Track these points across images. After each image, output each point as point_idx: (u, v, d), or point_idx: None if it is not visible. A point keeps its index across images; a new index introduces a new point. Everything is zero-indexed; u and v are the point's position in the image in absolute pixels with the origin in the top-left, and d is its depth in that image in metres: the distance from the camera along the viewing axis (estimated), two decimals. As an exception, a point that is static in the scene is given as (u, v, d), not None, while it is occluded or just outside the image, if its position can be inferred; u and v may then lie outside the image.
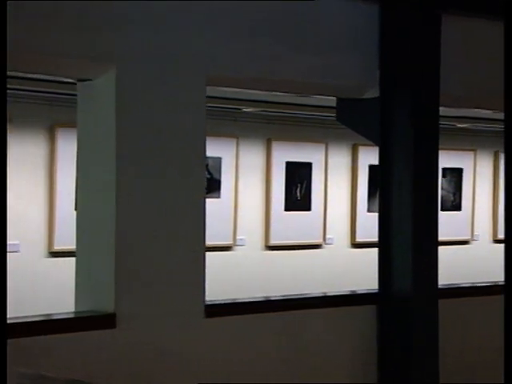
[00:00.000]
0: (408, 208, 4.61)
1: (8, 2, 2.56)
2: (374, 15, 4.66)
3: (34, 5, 3.56)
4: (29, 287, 5.98)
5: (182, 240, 4.02)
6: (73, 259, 4.00)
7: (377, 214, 4.81)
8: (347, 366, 4.67)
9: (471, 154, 8.51)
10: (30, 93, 5.74)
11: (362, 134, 4.96)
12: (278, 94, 5.22)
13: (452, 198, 8.44)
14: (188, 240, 4.05)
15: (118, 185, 3.83)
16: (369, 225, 7.04)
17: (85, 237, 3.96)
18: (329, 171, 7.61)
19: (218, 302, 4.25)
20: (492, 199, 8.63)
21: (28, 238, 6.07)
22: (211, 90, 4.26)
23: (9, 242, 5.97)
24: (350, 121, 4.96)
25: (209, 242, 4.23)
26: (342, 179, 7.75)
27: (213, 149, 6.23)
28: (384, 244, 4.72)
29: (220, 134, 6.74)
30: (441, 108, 4.77)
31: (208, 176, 6.68)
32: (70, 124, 5.54)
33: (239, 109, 6.75)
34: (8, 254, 6.48)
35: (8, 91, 5.77)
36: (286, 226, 7.35)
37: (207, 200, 4.21)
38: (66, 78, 4.17)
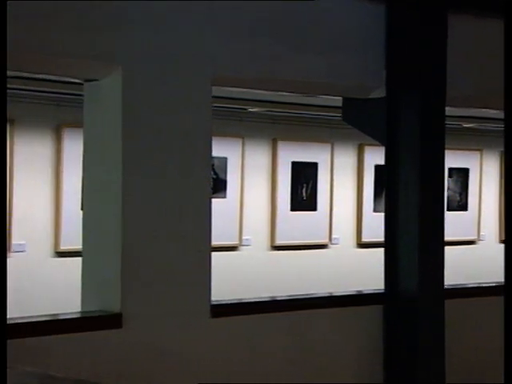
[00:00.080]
0: (414, 208, 4.61)
1: (8, 2, 2.56)
2: (380, 15, 4.65)
3: (40, 5, 3.56)
4: (35, 287, 6.00)
5: (188, 240, 4.02)
6: (79, 259, 4.01)
7: (383, 214, 4.81)
8: (353, 366, 4.67)
9: (477, 153, 8.49)
10: (36, 93, 5.76)
11: (368, 133, 4.96)
12: (284, 94, 5.22)
13: (458, 198, 8.43)
14: (194, 240, 4.05)
15: (124, 185, 3.83)
16: (375, 225, 7.03)
17: (91, 237, 3.97)
18: (335, 171, 7.61)
19: (223, 302, 4.25)
20: (498, 199, 8.62)
21: (34, 238, 6.09)
22: (217, 90, 4.26)
23: (15, 242, 6.00)
24: (356, 121, 4.96)
25: (215, 242, 4.24)
26: (347, 179, 7.75)
27: (219, 149, 6.23)
28: (390, 244, 4.71)
29: (226, 134, 6.74)
30: (447, 108, 4.77)
31: (214, 176, 6.68)
32: (76, 124, 5.55)
33: (245, 109, 6.76)
34: (14, 253, 6.53)
35: (14, 91, 5.83)
36: (292, 226, 7.35)
37: (213, 200, 4.21)
38: (73, 78, 4.18)
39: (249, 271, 7.07)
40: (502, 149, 8.44)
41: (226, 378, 4.10)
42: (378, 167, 7.62)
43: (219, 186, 6.92)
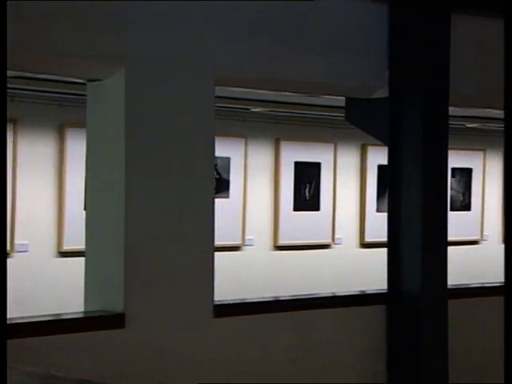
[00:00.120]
0: (417, 208, 4.60)
1: (8, 2, 2.55)
2: (383, 15, 4.65)
3: (43, 5, 3.57)
4: (38, 287, 6.00)
5: (190, 240, 4.02)
6: (82, 259, 4.01)
7: (386, 214, 4.80)
8: (356, 366, 4.67)
9: (481, 153, 8.48)
10: (39, 93, 5.76)
11: (371, 133, 4.96)
12: (287, 94, 5.21)
13: (461, 198, 8.42)
14: (197, 240, 4.05)
15: (127, 185, 3.83)
16: (378, 225, 7.03)
17: (94, 237, 3.97)
18: (338, 171, 7.60)
19: (226, 302, 4.24)
20: (501, 199, 8.60)
21: (37, 238, 6.09)
22: (220, 90, 4.26)
23: (18, 242, 6.00)
24: (359, 121, 4.95)
25: (217, 242, 4.24)
26: (350, 179, 7.74)
27: (221, 149, 6.23)
28: (393, 244, 4.71)
29: (229, 134, 6.74)
30: (450, 108, 4.76)
31: (217, 176, 6.68)
32: (79, 124, 5.55)
33: (248, 109, 6.75)
34: (17, 253, 6.53)
35: (17, 92, 5.83)
36: (295, 225, 7.34)
37: (216, 200, 4.21)
38: (76, 78, 4.18)
39: (252, 271, 7.07)
40: (506, 149, 8.43)
41: (228, 378, 4.10)
42: (380, 167, 7.61)
43: (222, 186, 6.92)
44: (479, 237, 8.50)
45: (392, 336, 4.67)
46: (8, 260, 5.95)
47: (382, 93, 4.71)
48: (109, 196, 3.92)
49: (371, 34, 4.62)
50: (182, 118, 4.01)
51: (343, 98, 4.92)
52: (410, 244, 4.63)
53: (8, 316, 3.66)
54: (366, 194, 7.77)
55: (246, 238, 7.13)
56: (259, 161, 7.20)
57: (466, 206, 8.44)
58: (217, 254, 4.15)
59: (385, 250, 4.77)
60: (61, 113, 6.11)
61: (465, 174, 8.42)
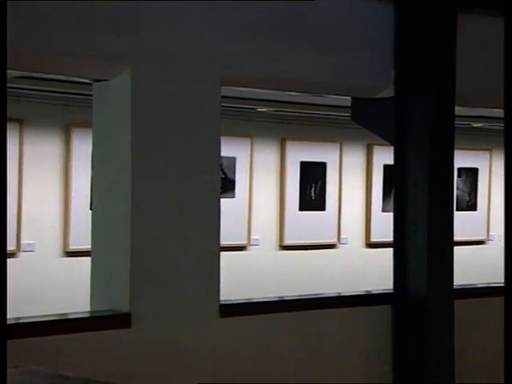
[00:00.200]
0: (423, 208, 4.60)
1: (8, 2, 2.56)
2: (389, 15, 4.64)
3: (48, 5, 3.57)
4: (44, 287, 6.01)
5: (196, 240, 4.02)
6: (88, 259, 4.01)
7: (391, 214, 4.80)
8: (362, 366, 4.66)
9: (487, 153, 8.47)
10: (45, 93, 5.77)
11: (377, 133, 4.95)
12: (293, 93, 5.21)
13: (467, 198, 8.41)
14: (203, 240, 4.05)
15: (133, 184, 3.84)
16: (383, 225, 7.02)
17: (100, 236, 3.97)
18: (343, 171, 7.60)
19: (232, 302, 4.25)
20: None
21: (43, 238, 6.10)
22: (226, 90, 4.26)
23: (24, 242, 6.02)
24: (365, 120, 4.95)
25: (223, 242, 4.24)
26: (356, 179, 7.74)
27: (227, 148, 6.24)
28: (399, 244, 4.70)
29: (234, 133, 6.74)
30: (456, 107, 4.75)
31: (222, 176, 6.68)
32: (84, 124, 5.57)
33: (253, 109, 6.75)
34: (24, 253, 6.54)
35: (23, 92, 5.83)
36: (301, 225, 7.34)
37: (222, 200, 4.21)
38: (82, 78, 4.19)
39: (257, 271, 7.07)
40: None
41: (234, 377, 4.10)
42: (386, 167, 7.61)
43: (228, 186, 6.92)
44: (485, 237, 8.49)
45: (398, 336, 4.67)
46: (14, 260, 5.96)
47: (388, 92, 4.70)
48: (115, 196, 3.92)
49: (377, 34, 4.62)
50: (187, 118, 4.01)
51: (349, 97, 4.91)
52: (416, 244, 4.62)
53: (14, 316, 3.68)
54: (372, 194, 7.76)
55: (252, 237, 7.13)
56: (265, 160, 7.20)
57: (472, 206, 8.43)
58: (222, 253, 4.15)
59: (390, 249, 4.77)
60: (67, 113, 6.12)
61: (471, 174, 8.41)
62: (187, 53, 3.99)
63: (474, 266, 7.47)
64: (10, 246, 5.90)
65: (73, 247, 6.11)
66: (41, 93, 5.74)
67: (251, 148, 7.09)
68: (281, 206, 7.27)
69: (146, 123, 3.89)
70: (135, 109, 3.84)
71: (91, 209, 4.12)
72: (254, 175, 7.11)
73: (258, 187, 7.14)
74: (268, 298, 4.63)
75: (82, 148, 5.97)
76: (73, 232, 6.12)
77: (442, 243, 4.68)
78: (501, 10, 4.80)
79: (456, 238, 4.78)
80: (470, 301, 4.95)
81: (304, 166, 7.37)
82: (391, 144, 4.78)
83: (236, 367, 4.15)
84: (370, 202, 7.75)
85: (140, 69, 3.85)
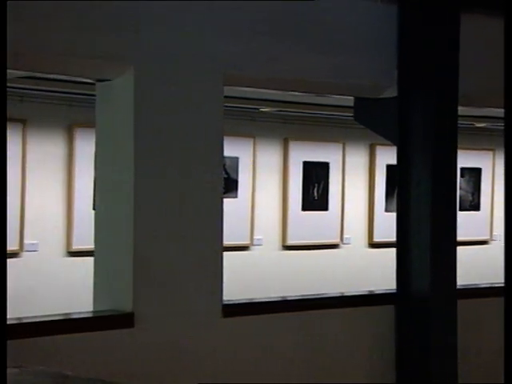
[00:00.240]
0: (426, 208, 4.59)
1: (8, 3, 2.56)
2: (392, 15, 4.64)
3: (52, 5, 3.57)
4: (47, 286, 6.02)
5: (199, 240, 4.03)
6: (91, 259, 4.02)
7: (394, 214, 4.79)
8: (365, 366, 4.66)
9: (490, 153, 8.46)
10: (48, 93, 5.78)
11: (379, 133, 4.95)
12: (296, 93, 5.21)
13: (471, 198, 8.40)
14: (205, 240, 4.05)
15: (136, 184, 3.84)
16: (386, 225, 7.02)
17: (103, 236, 3.98)
18: (346, 171, 7.59)
19: (235, 302, 4.25)
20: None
21: (47, 238, 6.11)
22: (228, 90, 4.26)
23: (27, 242, 6.02)
24: (368, 120, 4.95)
25: (226, 242, 4.24)
26: (359, 179, 7.73)
27: (230, 148, 6.23)
28: (402, 244, 4.70)
29: (237, 133, 6.74)
30: (459, 107, 4.75)
31: (225, 176, 6.68)
32: (87, 124, 5.57)
33: (256, 108, 6.75)
34: (27, 253, 6.54)
35: (27, 92, 5.84)
36: (303, 225, 7.34)
37: (224, 200, 4.21)
38: (85, 78, 4.19)
39: (260, 271, 7.07)
40: (515, 148, 8.40)
41: (236, 377, 4.10)
42: (389, 167, 7.60)
43: (231, 186, 6.92)
44: (488, 237, 8.48)
45: (401, 336, 4.66)
46: (17, 259, 5.97)
47: (391, 92, 4.70)
48: (118, 196, 3.92)
49: (380, 34, 4.61)
50: (190, 118, 4.01)
51: (352, 97, 4.91)
52: (419, 244, 4.62)
53: (17, 316, 3.68)
54: (375, 194, 7.76)
55: (255, 237, 7.13)
56: (268, 160, 7.20)
57: (476, 206, 8.42)
58: (225, 253, 4.15)
59: (393, 249, 4.76)
60: (70, 113, 6.12)
61: (474, 174, 8.40)
62: (190, 53, 3.99)
63: (477, 266, 7.46)
64: (14, 245, 5.90)
65: (76, 247, 6.12)
66: (44, 93, 5.75)
67: (254, 148, 7.09)
68: (284, 206, 7.27)
69: (148, 123, 3.89)
70: (138, 109, 3.84)
71: (94, 209, 4.12)
72: (257, 175, 7.11)
73: (261, 187, 7.14)
74: (271, 298, 4.63)
75: (85, 148, 5.97)
76: (76, 232, 6.12)
77: (445, 243, 4.68)
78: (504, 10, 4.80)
79: (459, 238, 4.77)
80: (472, 301, 4.95)
81: (307, 166, 7.37)
82: (394, 144, 4.78)
83: (239, 367, 4.15)
84: (372, 202, 7.75)
85: (143, 69, 3.85)
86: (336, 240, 7.56)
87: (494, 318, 5.10)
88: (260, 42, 4.21)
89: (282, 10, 4.25)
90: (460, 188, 7.98)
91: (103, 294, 3.92)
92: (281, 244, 7.30)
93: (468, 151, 7.82)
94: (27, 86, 5.41)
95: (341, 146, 7.54)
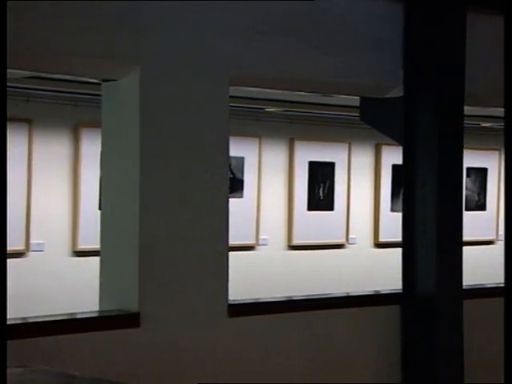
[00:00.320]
0: (432, 208, 4.59)
1: (8, 3, 2.56)
2: (397, 14, 4.63)
3: (58, 5, 3.58)
4: (53, 286, 6.03)
5: (205, 240, 4.03)
6: (97, 258, 4.02)
7: (400, 214, 4.79)
8: (371, 367, 4.66)
9: (496, 153, 8.44)
10: (54, 93, 5.79)
11: (385, 133, 4.94)
12: (301, 93, 5.21)
13: (476, 198, 8.38)
14: (211, 240, 4.05)
15: (142, 185, 3.84)
16: (392, 225, 7.01)
17: (109, 236, 3.98)
18: (352, 171, 7.59)
19: (240, 302, 4.24)
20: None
21: (52, 238, 6.12)
22: (234, 90, 4.26)
23: (33, 241, 6.03)
24: (374, 120, 4.94)
25: (232, 242, 4.24)
26: (365, 179, 7.73)
27: (236, 148, 6.23)
28: (408, 244, 4.69)
29: (243, 133, 6.75)
30: (465, 107, 4.74)
31: (231, 176, 6.69)
32: (93, 124, 5.58)
33: (262, 108, 6.75)
34: (33, 253, 6.56)
35: (32, 92, 5.85)
36: (309, 225, 7.34)
37: (230, 200, 4.21)
38: (91, 78, 4.19)
39: (266, 271, 7.07)
40: (521, 148, 8.38)
41: (242, 377, 4.10)
42: (395, 167, 7.59)
43: (236, 186, 6.92)
44: (495, 237, 8.46)
45: (406, 336, 4.66)
46: (23, 259, 5.98)
47: (397, 92, 4.69)
48: (123, 196, 3.93)
49: (386, 34, 4.61)
50: (196, 118, 4.02)
51: (358, 97, 4.91)
52: (425, 244, 4.61)
53: (22, 315, 3.69)
54: (381, 194, 7.75)
55: (260, 237, 7.13)
56: (273, 160, 7.20)
57: (482, 206, 8.41)
58: (231, 253, 4.15)
59: (399, 249, 4.76)
60: (75, 113, 6.13)
61: (480, 174, 8.39)
62: (195, 53, 3.99)
63: (483, 266, 7.44)
64: (19, 245, 5.92)
65: (81, 247, 6.13)
66: (49, 93, 5.76)
67: (260, 148, 7.09)
68: (289, 206, 7.26)
69: (154, 123, 3.90)
70: (144, 109, 3.84)
71: (100, 209, 4.13)
72: (263, 175, 7.11)
73: (267, 187, 7.14)
74: (276, 297, 4.63)
75: (91, 148, 5.98)
76: (81, 232, 6.13)
77: (451, 243, 4.67)
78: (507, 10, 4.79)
79: (465, 237, 4.76)
80: (478, 301, 4.94)
81: (312, 165, 7.37)
82: (400, 144, 4.77)
83: (244, 367, 4.15)
84: (378, 201, 7.74)
85: (149, 69, 3.85)
86: (342, 240, 7.56)
87: (499, 318, 5.09)
88: (266, 41, 4.21)
89: (287, 11, 4.25)
90: (466, 188, 7.97)
91: (109, 294, 3.92)
92: (286, 244, 7.30)
93: (474, 151, 7.81)
94: (33, 86, 5.42)
95: (347, 145, 7.54)
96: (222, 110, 4.09)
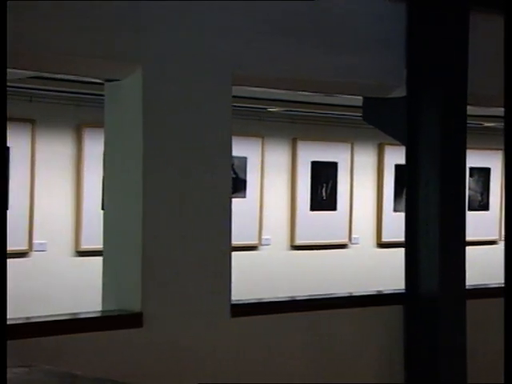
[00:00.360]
0: (435, 208, 4.58)
1: (8, 3, 2.56)
2: (400, 14, 4.63)
3: (60, 5, 3.58)
4: (56, 286, 6.03)
5: (208, 240, 4.03)
6: (100, 258, 4.02)
7: (403, 214, 4.78)
8: (374, 367, 4.65)
9: (499, 153, 8.43)
10: (57, 93, 5.79)
11: (388, 133, 4.94)
12: (304, 93, 5.21)
13: (479, 198, 8.38)
14: (214, 240, 4.05)
15: (145, 185, 3.84)
16: (395, 225, 7.01)
17: (112, 236, 3.98)
18: (355, 171, 7.59)
19: (243, 302, 4.24)
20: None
21: (55, 238, 6.12)
22: (237, 90, 4.26)
23: (36, 241, 6.04)
24: (377, 120, 4.94)
25: (234, 242, 4.24)
26: (367, 179, 7.72)
27: (238, 148, 6.24)
28: (410, 244, 4.69)
29: (246, 133, 6.74)
30: (468, 107, 4.73)
31: (233, 176, 6.69)
32: (96, 124, 5.58)
33: (265, 108, 6.75)
34: (35, 253, 6.56)
35: (35, 92, 5.85)
36: (312, 225, 7.34)
37: (233, 200, 4.21)
38: (94, 78, 4.19)
39: (268, 271, 7.07)
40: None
41: (245, 377, 4.10)
42: (398, 167, 7.59)
43: (239, 186, 6.92)
44: (497, 237, 8.45)
45: (409, 336, 4.65)
46: (26, 259, 5.98)
47: (400, 92, 4.69)
48: (126, 196, 3.93)
49: (389, 33, 4.60)
50: (199, 118, 4.02)
51: (360, 97, 4.90)
52: (428, 244, 4.61)
53: (25, 315, 3.69)
54: (383, 194, 7.75)
55: (263, 237, 7.13)
56: (276, 160, 7.20)
57: (484, 206, 8.40)
58: (234, 253, 4.15)
59: (402, 249, 4.75)
60: (78, 113, 6.14)
61: (483, 174, 8.38)
62: (198, 53, 3.99)
63: (486, 266, 7.44)
64: (22, 245, 5.92)
65: (84, 247, 6.13)
66: (52, 93, 5.76)
67: (262, 148, 7.09)
68: (292, 206, 7.26)
69: (157, 123, 3.90)
70: (147, 109, 3.84)
71: (103, 209, 4.13)
72: (265, 175, 7.11)
73: (269, 187, 7.14)
74: (279, 297, 4.63)
75: (94, 148, 5.99)
76: (84, 232, 6.13)
77: (454, 243, 4.66)
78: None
79: (468, 237, 4.76)
80: (482, 301, 4.93)
81: (315, 165, 7.36)
82: (403, 144, 4.77)
83: (247, 367, 4.15)
84: (381, 201, 7.74)
85: (152, 69, 3.85)
86: (344, 240, 7.55)
87: (503, 318, 5.08)
88: (268, 42, 4.21)
89: (289, 11, 4.25)
90: (469, 188, 7.96)
91: (112, 294, 3.92)
92: (289, 244, 7.30)
93: (477, 151, 7.80)
94: (36, 86, 5.42)
95: (349, 145, 7.53)
96: (224, 109, 4.09)
